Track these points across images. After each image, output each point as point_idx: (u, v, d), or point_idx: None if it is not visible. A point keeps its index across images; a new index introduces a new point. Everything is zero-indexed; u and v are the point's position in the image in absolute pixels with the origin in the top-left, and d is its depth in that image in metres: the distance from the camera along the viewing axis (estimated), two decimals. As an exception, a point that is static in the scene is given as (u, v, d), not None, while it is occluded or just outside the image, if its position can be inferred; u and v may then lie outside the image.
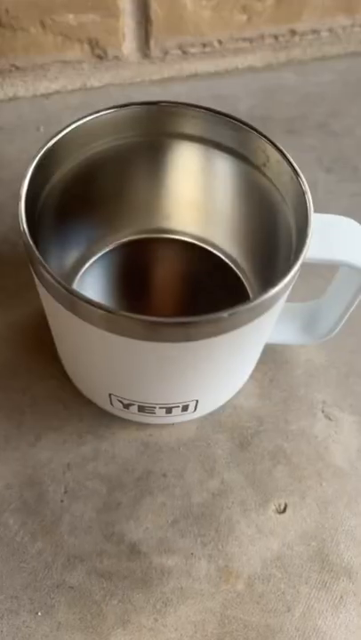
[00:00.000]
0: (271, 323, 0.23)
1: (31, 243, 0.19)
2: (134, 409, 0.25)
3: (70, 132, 0.23)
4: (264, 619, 0.24)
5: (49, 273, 0.19)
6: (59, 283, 0.19)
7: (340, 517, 0.26)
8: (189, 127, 0.24)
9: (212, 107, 0.41)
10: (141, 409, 0.25)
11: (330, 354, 0.30)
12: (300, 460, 0.27)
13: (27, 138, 0.38)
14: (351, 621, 0.24)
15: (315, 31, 0.42)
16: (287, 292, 0.21)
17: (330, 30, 0.42)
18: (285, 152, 0.22)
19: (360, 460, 0.28)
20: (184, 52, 0.40)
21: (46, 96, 0.40)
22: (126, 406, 0.25)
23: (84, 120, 0.23)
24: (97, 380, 0.25)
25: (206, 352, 0.21)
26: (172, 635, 0.23)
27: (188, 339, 0.19)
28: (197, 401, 0.25)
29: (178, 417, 0.26)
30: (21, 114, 0.40)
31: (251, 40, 0.41)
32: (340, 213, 0.22)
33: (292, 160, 0.22)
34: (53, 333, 0.26)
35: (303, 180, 0.21)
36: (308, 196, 0.21)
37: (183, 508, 0.26)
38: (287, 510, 0.26)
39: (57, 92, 0.41)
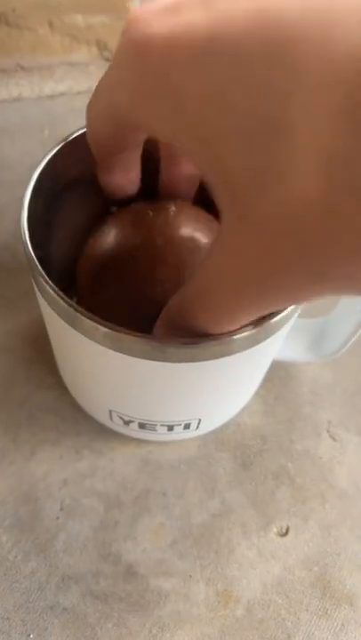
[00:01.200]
0: (280, 342, 0.23)
1: (33, 255, 0.19)
2: (135, 426, 0.24)
3: (76, 137, 0.22)
4: (263, 646, 0.23)
5: (52, 288, 0.18)
6: (62, 298, 0.18)
7: (344, 542, 0.25)
8: None
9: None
10: (142, 426, 0.24)
11: (336, 372, 0.29)
12: (304, 480, 0.27)
13: (30, 140, 0.37)
14: (353, 651, 0.23)
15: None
16: (298, 311, 0.20)
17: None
18: None
19: (365, 482, 0.27)
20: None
21: (52, 97, 0.40)
22: (127, 423, 0.24)
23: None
24: (97, 395, 0.24)
25: (212, 372, 0.20)
26: (168, 661, 0.22)
27: (195, 359, 0.19)
28: (200, 419, 0.24)
29: (179, 434, 0.25)
30: (26, 115, 0.39)
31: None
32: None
33: None
34: (53, 345, 0.25)
35: None
36: None
37: (182, 529, 0.25)
38: (289, 533, 0.25)
39: (63, 94, 0.40)
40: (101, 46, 0.38)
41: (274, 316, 0.18)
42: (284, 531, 0.25)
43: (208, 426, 0.26)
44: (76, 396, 0.27)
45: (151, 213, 0.21)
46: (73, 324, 0.19)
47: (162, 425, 0.24)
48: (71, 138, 0.22)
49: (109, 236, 0.21)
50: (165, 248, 0.20)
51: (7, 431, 0.27)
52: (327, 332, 0.26)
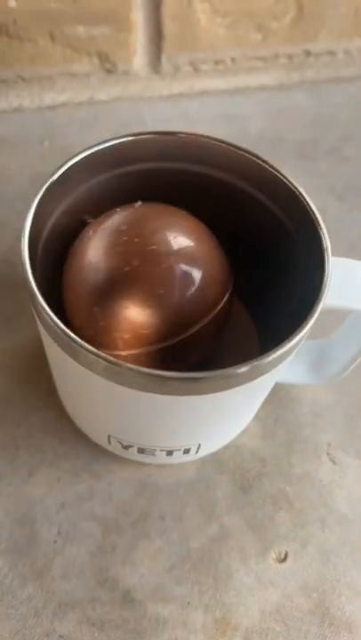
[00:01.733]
0: (283, 371, 0.22)
1: (33, 285, 0.18)
2: (134, 450, 0.24)
3: (81, 160, 0.22)
4: (261, 675, 0.23)
5: (52, 320, 0.18)
6: (62, 330, 0.18)
7: (343, 567, 0.25)
8: (205, 158, 0.23)
9: (223, 126, 0.40)
10: (141, 451, 0.24)
11: (336, 394, 0.29)
12: (303, 505, 0.26)
13: (30, 151, 0.37)
14: None
15: (330, 52, 0.41)
16: (300, 345, 0.20)
17: (345, 52, 0.41)
18: (309, 202, 0.21)
19: (364, 506, 0.27)
20: (195, 69, 0.39)
21: (52, 108, 0.39)
22: (125, 447, 0.24)
23: (94, 149, 0.22)
24: (95, 420, 0.24)
25: (212, 404, 0.20)
26: None
27: (196, 392, 0.18)
28: (200, 444, 0.24)
29: (179, 459, 0.25)
30: (25, 126, 0.38)
31: (265, 59, 0.40)
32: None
33: (316, 212, 0.21)
34: (51, 368, 0.25)
35: (325, 233, 0.20)
36: (328, 251, 0.20)
37: (181, 554, 0.25)
38: (288, 559, 0.25)
39: (63, 105, 0.39)
40: (103, 57, 0.37)
41: (276, 351, 0.18)
42: (282, 556, 0.25)
43: (208, 449, 0.26)
44: (74, 419, 0.26)
45: (125, 227, 0.20)
46: (73, 355, 0.18)
47: (161, 450, 0.24)
48: (70, 163, 0.21)
49: (89, 263, 0.21)
50: (145, 266, 0.20)
51: (4, 451, 0.26)
52: (329, 355, 0.26)
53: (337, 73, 0.42)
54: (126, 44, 0.37)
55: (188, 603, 0.24)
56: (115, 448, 0.25)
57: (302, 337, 0.18)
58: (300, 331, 0.18)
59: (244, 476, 0.27)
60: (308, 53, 0.40)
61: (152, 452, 0.24)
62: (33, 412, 0.27)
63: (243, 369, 0.17)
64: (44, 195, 0.20)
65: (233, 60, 0.39)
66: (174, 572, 0.24)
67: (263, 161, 0.22)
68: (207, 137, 0.23)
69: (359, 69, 0.42)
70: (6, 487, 0.26)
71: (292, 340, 0.18)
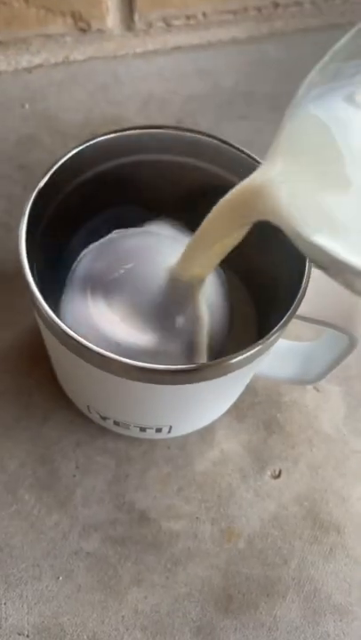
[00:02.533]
0: (261, 365, 0.24)
1: (33, 286, 0.19)
2: (110, 422, 0.26)
3: (72, 157, 0.22)
4: (264, 571, 0.26)
5: (49, 317, 0.19)
6: (60, 328, 0.19)
7: (329, 479, 0.29)
8: (192, 152, 0.24)
9: (197, 82, 0.41)
10: (117, 423, 0.26)
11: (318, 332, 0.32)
12: (293, 428, 0.30)
13: (12, 115, 0.38)
14: (340, 570, 0.27)
15: (297, 3, 0.42)
16: (279, 339, 0.21)
17: (312, 2, 0.42)
18: None
19: (346, 426, 0.30)
20: (168, 25, 0.40)
21: (29, 70, 0.40)
22: (103, 418, 0.26)
23: (84, 146, 0.23)
24: (77, 392, 0.26)
25: (182, 393, 0.21)
26: (182, 589, 0.26)
27: (164, 383, 0.20)
28: (171, 426, 0.26)
29: (152, 435, 0.27)
30: (4, 89, 0.39)
31: (235, 12, 0.41)
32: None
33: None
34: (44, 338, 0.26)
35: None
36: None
37: (187, 477, 0.28)
38: (282, 475, 0.29)
39: (39, 66, 0.40)
40: (76, 17, 0.38)
41: (250, 349, 0.19)
42: (277, 473, 0.29)
43: (180, 431, 0.28)
44: (62, 385, 0.28)
45: None
46: (66, 344, 0.20)
47: (135, 426, 0.25)
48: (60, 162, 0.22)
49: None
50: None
51: (19, 399, 0.29)
52: (312, 357, 0.27)
53: (304, 24, 0.43)
54: (99, 3, 0.37)
55: (197, 518, 0.27)
56: (94, 417, 0.27)
57: (272, 341, 0.20)
58: (269, 337, 0.20)
59: (238, 406, 0.30)
60: (276, 5, 0.41)
61: (126, 427, 0.26)
62: (41, 363, 0.30)
63: (218, 362, 0.19)
64: (35, 200, 0.21)
65: (204, 14, 0.40)
66: (182, 494, 0.28)
67: (251, 157, 0.23)
68: (196, 131, 0.23)
69: (326, 19, 0.44)
70: (25, 431, 0.28)
71: (260, 343, 0.19)
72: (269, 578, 0.26)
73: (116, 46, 0.40)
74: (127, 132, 0.23)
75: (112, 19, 0.39)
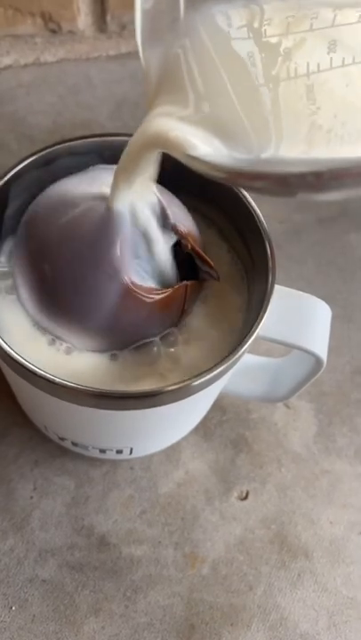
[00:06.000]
0: (227, 383, 0.23)
1: None
2: (68, 442, 0.25)
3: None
4: (228, 599, 0.25)
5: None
6: (7, 354, 0.18)
7: (298, 501, 0.28)
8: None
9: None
10: (75, 444, 0.25)
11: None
12: (261, 447, 0.29)
13: (-22, 118, 0.36)
14: (308, 597, 0.26)
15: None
16: (229, 371, 0.20)
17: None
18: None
19: (317, 444, 0.29)
20: (142, 28, 0.39)
21: (-3, 71, 0.39)
22: (61, 439, 0.25)
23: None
24: (31, 410, 0.25)
25: (145, 416, 0.20)
26: (142, 619, 0.25)
27: (128, 408, 0.19)
28: (132, 448, 0.25)
29: (113, 456, 0.26)
30: (-29, 90, 0.38)
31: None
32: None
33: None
34: None
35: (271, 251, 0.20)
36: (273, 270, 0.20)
37: (150, 500, 0.27)
38: (249, 497, 0.27)
39: (9, 67, 0.39)
40: (46, 18, 0.36)
41: (210, 372, 0.18)
42: (244, 495, 0.28)
43: (142, 452, 0.26)
44: (20, 403, 0.27)
45: None
46: (11, 367, 0.19)
47: (94, 448, 0.24)
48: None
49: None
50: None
51: (-24, 417, 0.28)
52: (281, 375, 0.26)
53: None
54: (70, 4, 0.36)
55: (159, 542, 0.26)
56: (52, 436, 0.26)
57: (230, 364, 0.19)
58: (235, 354, 0.19)
59: (205, 424, 0.29)
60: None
61: (85, 448, 0.25)
62: None
63: (172, 387, 0.18)
64: None
65: (179, 17, 0.39)
66: (145, 517, 0.26)
67: None
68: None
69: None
70: (-20, 450, 0.27)
71: (218, 366, 0.18)
72: (234, 606, 0.25)
73: (89, 48, 0.39)
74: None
75: (83, 20, 0.37)
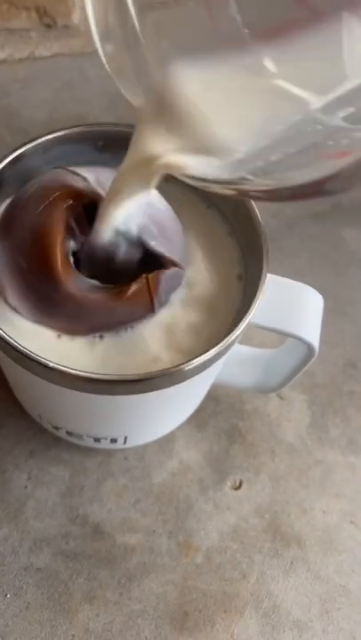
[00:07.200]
0: (220, 373, 0.23)
1: None
2: (63, 432, 0.25)
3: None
4: (221, 587, 0.26)
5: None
6: (2, 339, 0.18)
7: (291, 490, 0.28)
8: None
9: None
10: (70, 434, 0.25)
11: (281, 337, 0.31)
12: (255, 437, 0.29)
13: (-27, 111, 0.36)
14: (301, 584, 0.26)
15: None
16: (230, 350, 0.20)
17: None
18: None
19: (310, 435, 0.29)
20: (136, 23, 0.39)
21: (-8, 65, 0.39)
22: (55, 428, 0.25)
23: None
24: (26, 399, 0.25)
25: (138, 402, 0.20)
26: (136, 607, 0.25)
27: (121, 393, 0.19)
28: (126, 437, 0.25)
29: (107, 446, 0.26)
30: (-34, 84, 0.38)
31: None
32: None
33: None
34: None
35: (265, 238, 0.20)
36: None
37: (144, 489, 0.27)
38: (242, 486, 0.28)
39: (3, 61, 0.39)
40: (41, 12, 0.37)
41: (198, 358, 0.18)
42: (237, 484, 0.28)
43: (136, 442, 0.27)
44: (13, 389, 0.27)
45: None
46: (9, 355, 0.19)
47: (88, 436, 0.24)
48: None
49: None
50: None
51: (-29, 408, 0.28)
52: (273, 365, 0.26)
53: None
54: (64, -2, 0.36)
55: (153, 531, 0.26)
56: (46, 426, 0.26)
57: (222, 350, 0.19)
58: (218, 344, 0.19)
59: (199, 414, 0.29)
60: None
61: (80, 437, 0.25)
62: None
63: (164, 372, 0.18)
64: None
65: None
66: (139, 506, 0.27)
67: None
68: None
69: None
70: (-25, 440, 0.27)
71: (211, 351, 0.18)
72: (227, 593, 0.25)
73: (84, 43, 0.39)
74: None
75: (78, 15, 0.38)
